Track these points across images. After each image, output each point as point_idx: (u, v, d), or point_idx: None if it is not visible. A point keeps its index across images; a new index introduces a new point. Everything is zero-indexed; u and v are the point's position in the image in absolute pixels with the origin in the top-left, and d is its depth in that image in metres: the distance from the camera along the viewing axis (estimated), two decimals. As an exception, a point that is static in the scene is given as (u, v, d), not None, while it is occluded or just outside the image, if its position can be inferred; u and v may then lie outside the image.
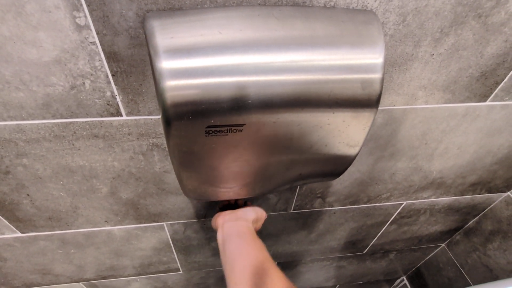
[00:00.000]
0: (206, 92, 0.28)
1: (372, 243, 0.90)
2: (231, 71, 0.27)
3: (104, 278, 0.79)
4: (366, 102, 0.31)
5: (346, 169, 0.39)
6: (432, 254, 1.05)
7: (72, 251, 0.66)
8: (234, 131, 0.30)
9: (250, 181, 0.38)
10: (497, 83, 0.46)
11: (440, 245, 1.00)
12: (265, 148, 0.33)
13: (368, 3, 0.33)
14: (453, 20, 0.36)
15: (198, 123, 0.29)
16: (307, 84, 0.29)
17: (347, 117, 0.32)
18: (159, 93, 0.27)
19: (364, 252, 0.95)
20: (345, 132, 0.33)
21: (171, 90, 0.27)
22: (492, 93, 0.47)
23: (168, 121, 0.29)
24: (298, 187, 0.60)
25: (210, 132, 0.29)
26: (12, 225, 0.55)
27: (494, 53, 0.41)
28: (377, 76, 0.30)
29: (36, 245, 0.62)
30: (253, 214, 0.43)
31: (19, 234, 0.58)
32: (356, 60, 0.30)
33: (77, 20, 0.30)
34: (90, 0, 0.29)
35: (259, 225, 0.46)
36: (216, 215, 0.45)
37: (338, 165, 0.38)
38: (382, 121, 0.49)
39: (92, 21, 0.30)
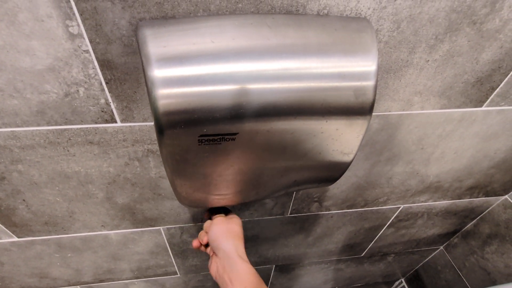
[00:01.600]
0: (199, 100, 0.27)
1: (370, 246, 0.90)
2: (223, 79, 0.27)
3: (101, 281, 0.79)
4: (359, 110, 0.31)
5: (341, 175, 0.39)
6: (430, 256, 1.05)
7: (69, 255, 0.66)
8: (227, 140, 0.30)
9: (244, 189, 0.38)
10: (493, 89, 0.46)
11: (438, 248, 1.00)
12: (259, 157, 0.33)
13: (361, 11, 0.33)
14: (448, 27, 0.36)
15: (191, 132, 0.29)
16: (300, 92, 0.29)
17: (341, 125, 0.32)
18: (151, 102, 0.27)
19: (362, 255, 0.95)
20: (338, 140, 0.33)
21: (164, 98, 0.27)
22: (488, 98, 0.47)
23: (160, 130, 0.29)
24: (295, 191, 0.60)
25: (203, 141, 0.29)
26: (9, 230, 0.55)
27: (490, 59, 0.41)
28: (370, 83, 0.30)
29: (33, 250, 0.62)
30: (230, 244, 0.38)
31: (15, 239, 0.58)
32: (349, 68, 0.30)
33: (70, 29, 0.30)
34: (82, 9, 0.29)
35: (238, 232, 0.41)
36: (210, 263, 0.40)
37: (333, 172, 0.38)
38: (378, 127, 0.48)
39: (85, 30, 0.30)
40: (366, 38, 0.30)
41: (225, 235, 0.39)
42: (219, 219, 0.42)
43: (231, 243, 0.38)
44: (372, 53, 0.30)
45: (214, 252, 0.40)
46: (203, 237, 0.42)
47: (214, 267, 0.39)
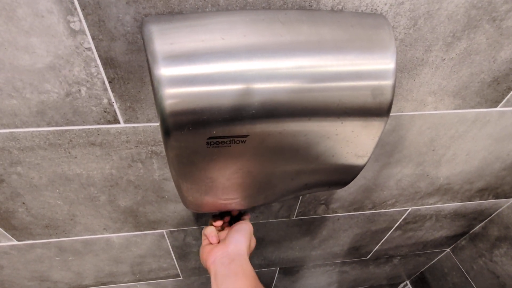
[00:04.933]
0: (208, 100, 0.26)
1: (376, 248, 0.88)
2: (234, 78, 0.26)
3: (103, 284, 0.78)
4: (377, 111, 0.29)
5: (353, 179, 0.38)
6: (436, 259, 1.03)
7: (70, 258, 0.64)
8: (237, 142, 0.28)
9: (253, 192, 0.36)
10: (510, 89, 0.44)
11: (445, 250, 0.98)
12: (270, 159, 0.31)
13: (378, 7, 0.32)
14: (466, 24, 0.35)
15: (199, 134, 0.27)
16: (314, 92, 0.28)
17: (356, 126, 0.30)
18: (157, 102, 0.26)
19: (368, 257, 0.93)
20: (353, 142, 0.32)
21: (171, 98, 0.25)
22: (504, 98, 0.45)
23: (167, 132, 0.27)
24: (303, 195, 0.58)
25: (212, 143, 0.28)
26: (8, 233, 0.54)
27: (508, 58, 0.39)
28: (389, 82, 0.29)
29: (33, 253, 0.60)
30: (245, 242, 0.38)
31: (15, 242, 0.56)
32: (366, 66, 0.28)
33: (71, 25, 0.28)
34: (85, 4, 0.27)
35: (253, 247, 0.42)
36: (205, 249, 0.40)
37: (345, 175, 0.37)
38: (389, 128, 0.47)
39: (87, 26, 0.29)
40: (383, 35, 0.29)
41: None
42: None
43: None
44: (390, 50, 0.28)
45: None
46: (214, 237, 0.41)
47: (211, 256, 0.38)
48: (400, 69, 0.38)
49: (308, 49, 0.27)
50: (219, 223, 0.44)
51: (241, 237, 0.39)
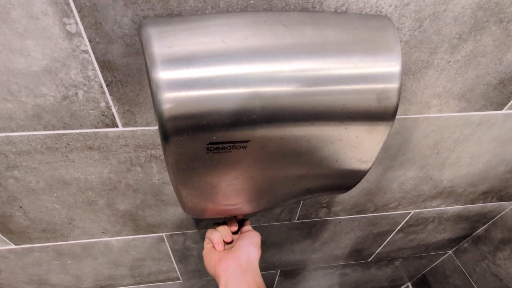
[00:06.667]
0: (208, 105, 0.25)
1: (377, 251, 0.87)
2: (235, 82, 0.25)
3: (102, 287, 0.77)
4: (382, 115, 0.29)
5: (356, 184, 0.37)
6: (438, 261, 1.02)
7: (68, 262, 0.63)
8: (238, 147, 0.28)
9: (254, 198, 0.35)
10: (516, 91, 0.43)
11: (447, 252, 0.97)
12: (271, 165, 0.31)
13: (382, 8, 0.31)
14: (473, 26, 0.34)
15: (199, 139, 0.26)
16: (317, 96, 0.27)
17: (361, 131, 0.29)
18: (156, 106, 0.25)
19: (369, 260, 0.92)
20: (357, 148, 0.31)
21: (169, 102, 0.25)
22: (509, 101, 0.45)
23: (166, 136, 0.26)
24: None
25: (212, 149, 0.27)
26: (5, 237, 0.53)
27: (514, 60, 0.39)
28: (394, 86, 0.28)
29: (31, 257, 0.59)
30: (257, 253, 0.38)
31: (12, 246, 0.56)
32: (371, 69, 0.27)
33: (67, 27, 0.27)
34: (81, 5, 0.26)
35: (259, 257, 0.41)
36: (212, 255, 0.38)
37: (349, 180, 0.36)
38: (393, 131, 0.46)
39: (84, 28, 0.28)
40: (388, 37, 0.28)
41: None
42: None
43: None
44: (396, 52, 0.27)
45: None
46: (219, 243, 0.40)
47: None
48: (405, 72, 0.38)
49: (311, 52, 0.26)
50: (234, 227, 0.43)
51: (254, 248, 0.38)
